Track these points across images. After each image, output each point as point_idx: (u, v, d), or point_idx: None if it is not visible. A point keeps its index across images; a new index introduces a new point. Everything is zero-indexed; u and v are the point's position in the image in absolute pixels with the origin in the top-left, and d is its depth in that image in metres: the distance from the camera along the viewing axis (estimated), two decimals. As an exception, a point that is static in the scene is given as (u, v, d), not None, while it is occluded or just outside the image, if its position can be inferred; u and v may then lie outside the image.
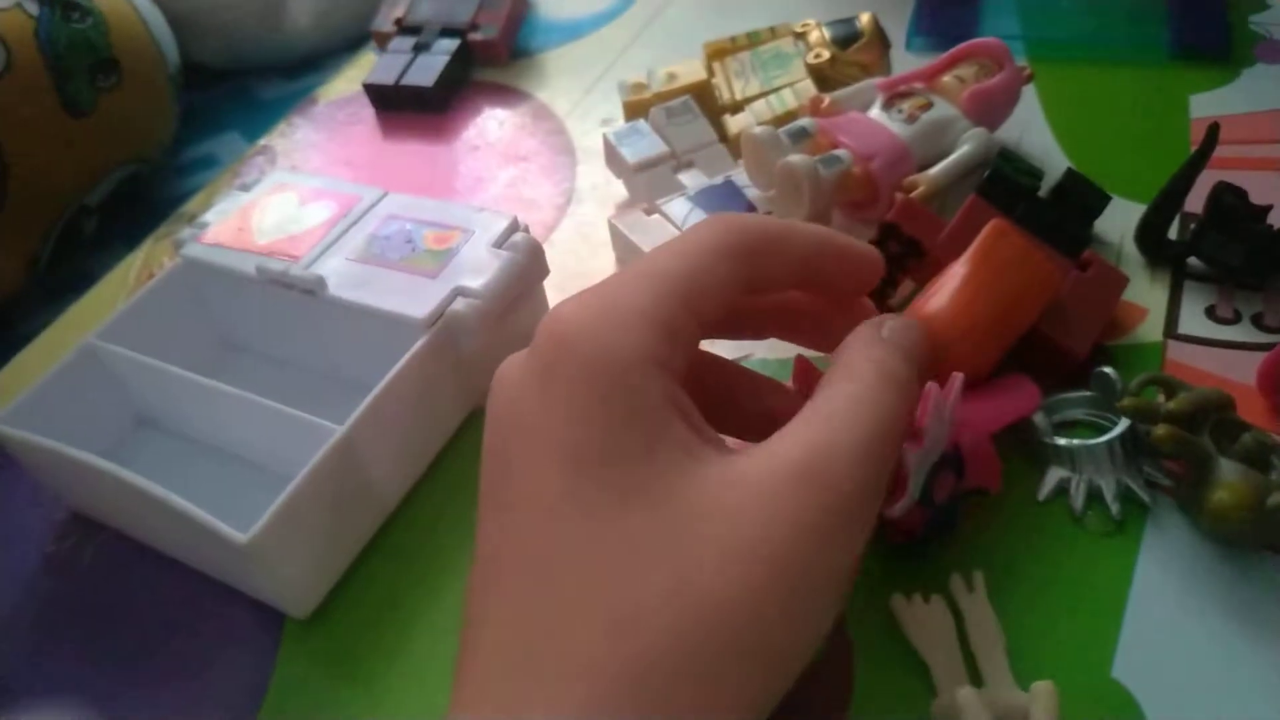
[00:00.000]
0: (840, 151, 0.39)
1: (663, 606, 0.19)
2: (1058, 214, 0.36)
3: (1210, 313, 0.37)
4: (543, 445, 0.22)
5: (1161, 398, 0.32)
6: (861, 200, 0.41)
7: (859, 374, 0.24)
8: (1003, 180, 0.36)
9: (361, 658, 0.31)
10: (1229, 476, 0.29)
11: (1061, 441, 0.32)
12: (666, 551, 0.20)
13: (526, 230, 0.39)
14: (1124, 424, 0.32)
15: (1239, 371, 0.34)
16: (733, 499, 0.21)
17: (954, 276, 0.31)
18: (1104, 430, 0.32)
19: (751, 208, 0.41)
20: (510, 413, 0.23)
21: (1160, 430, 0.30)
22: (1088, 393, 0.34)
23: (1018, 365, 0.33)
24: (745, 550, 0.20)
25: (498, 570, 0.22)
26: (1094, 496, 0.31)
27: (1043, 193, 0.37)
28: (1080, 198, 0.37)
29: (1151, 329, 0.36)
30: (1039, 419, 0.33)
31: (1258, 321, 0.36)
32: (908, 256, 0.35)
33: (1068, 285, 0.35)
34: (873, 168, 0.39)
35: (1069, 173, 0.37)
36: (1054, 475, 0.32)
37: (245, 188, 0.43)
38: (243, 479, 0.37)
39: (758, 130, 0.40)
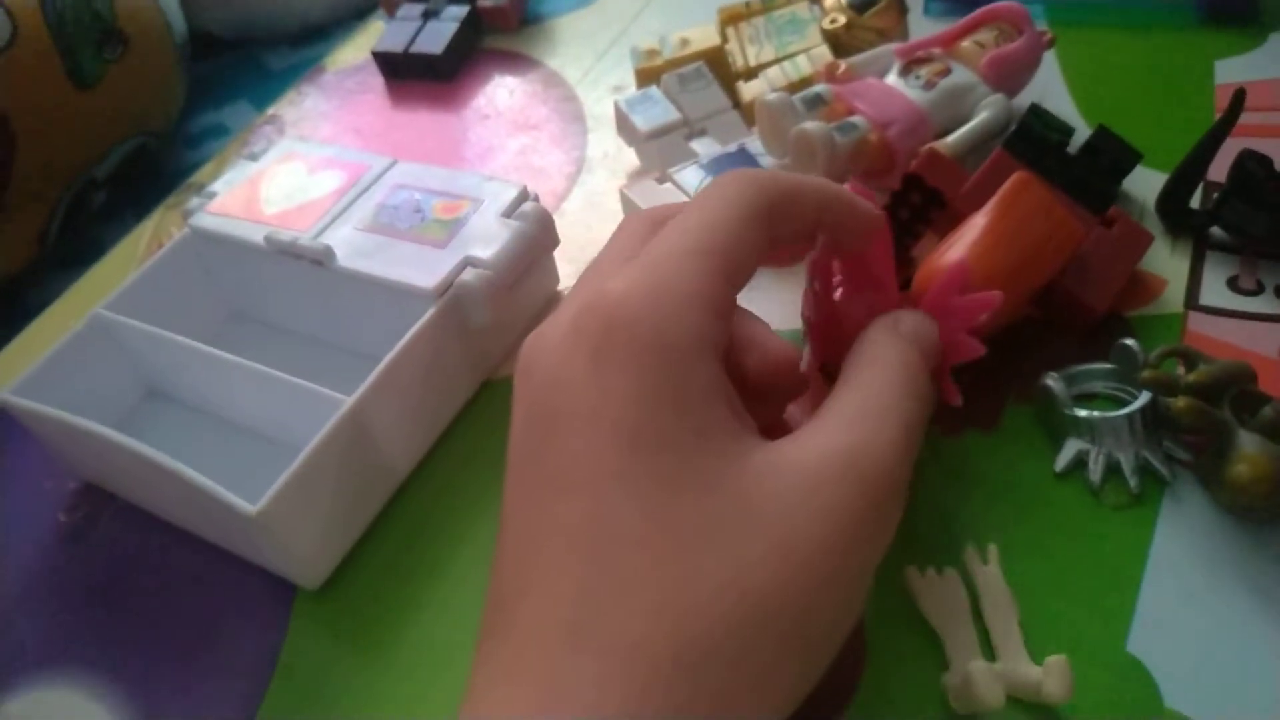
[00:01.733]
0: (856, 119, 0.39)
1: (715, 597, 0.20)
2: (1085, 170, 0.36)
3: (1233, 284, 0.36)
4: (595, 425, 0.21)
5: (1181, 370, 0.31)
6: (878, 168, 0.40)
7: (888, 372, 0.24)
8: (1030, 134, 0.36)
9: (372, 628, 0.32)
10: (1249, 449, 0.28)
11: (1082, 413, 0.31)
12: (719, 540, 0.20)
13: (536, 199, 0.38)
14: (1145, 397, 0.31)
15: (1262, 344, 0.34)
16: (781, 489, 0.21)
17: (975, 226, 0.31)
18: (1124, 404, 0.32)
19: None
20: (554, 391, 0.23)
21: (1180, 403, 0.29)
22: (1108, 365, 0.33)
23: (1038, 317, 0.33)
24: (796, 543, 0.20)
25: (539, 545, 0.21)
26: (1112, 470, 0.31)
27: (1072, 150, 0.37)
28: (1111, 155, 0.37)
29: (1172, 300, 0.36)
30: (1058, 388, 0.32)
31: (1281, 292, 0.35)
32: (930, 207, 0.35)
33: (1091, 241, 0.34)
34: (889, 135, 0.39)
35: (1100, 130, 0.37)
36: (1072, 447, 0.31)
37: (254, 157, 0.43)
38: (253, 450, 0.37)
39: (771, 97, 0.39)
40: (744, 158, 0.41)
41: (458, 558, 0.33)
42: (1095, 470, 0.31)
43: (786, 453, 0.22)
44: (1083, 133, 0.43)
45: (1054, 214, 0.32)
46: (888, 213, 0.33)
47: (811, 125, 0.37)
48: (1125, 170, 0.37)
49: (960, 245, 0.31)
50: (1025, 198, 0.32)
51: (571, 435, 0.22)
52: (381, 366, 0.33)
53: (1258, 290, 0.36)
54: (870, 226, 0.27)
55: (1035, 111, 0.37)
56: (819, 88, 0.40)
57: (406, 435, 0.35)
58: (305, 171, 0.41)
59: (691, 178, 0.40)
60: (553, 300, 0.41)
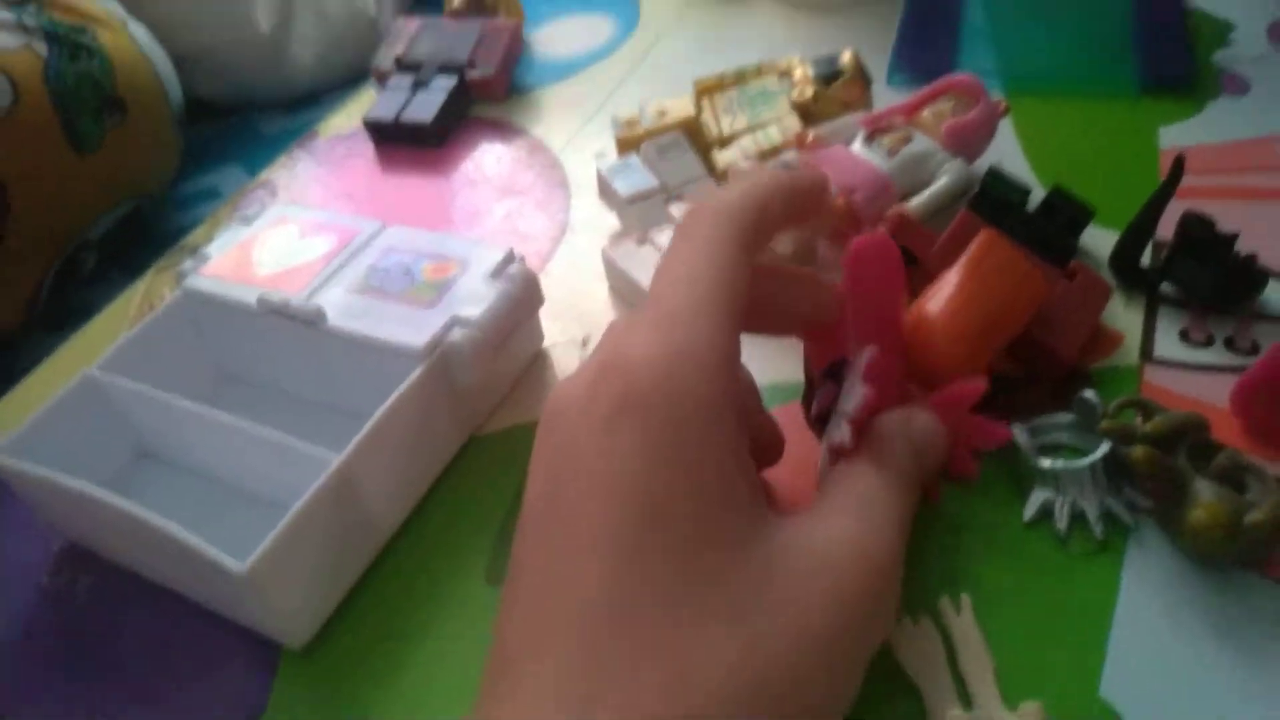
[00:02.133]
0: None
1: (728, 677, 0.20)
2: (1044, 226, 0.38)
3: (1184, 336, 0.38)
4: (611, 492, 0.22)
5: (1139, 420, 0.33)
6: (844, 231, 0.42)
7: (894, 471, 0.26)
8: (992, 195, 0.38)
9: (357, 687, 0.32)
10: (1205, 496, 0.30)
11: (1046, 463, 0.33)
12: (732, 617, 0.21)
13: (522, 261, 0.40)
14: (1105, 447, 0.33)
15: (1214, 393, 0.35)
16: (793, 570, 0.22)
17: (947, 284, 0.33)
18: (1086, 454, 0.33)
19: None
20: (571, 452, 0.23)
21: (1137, 452, 0.31)
22: (1070, 416, 0.35)
23: (1012, 372, 0.35)
24: (808, 624, 0.21)
25: (550, 607, 0.21)
26: (1077, 518, 0.32)
27: (1030, 208, 0.39)
28: (1067, 212, 0.39)
29: (1128, 353, 0.38)
30: (1024, 441, 0.34)
31: (1230, 344, 0.37)
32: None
33: (1056, 293, 0.36)
34: (854, 200, 0.41)
35: (1055, 189, 0.39)
36: (1038, 497, 0.33)
37: (246, 221, 0.44)
38: (241, 509, 0.37)
39: (744, 165, 0.41)
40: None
41: (443, 616, 0.33)
42: (1061, 518, 0.32)
43: (799, 534, 0.23)
44: (1038, 193, 0.45)
45: (1020, 269, 0.34)
46: None
47: None
48: (1081, 225, 0.39)
49: (936, 301, 0.33)
50: (993, 255, 0.34)
51: (588, 499, 0.22)
52: (370, 425, 0.34)
53: (1208, 342, 0.38)
54: (820, 189, 0.29)
55: (994, 174, 0.39)
56: (788, 155, 0.42)
57: (394, 492, 0.36)
58: (297, 235, 0.43)
59: (670, 240, 0.42)
60: (538, 358, 0.42)
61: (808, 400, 0.35)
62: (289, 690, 0.32)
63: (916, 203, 0.41)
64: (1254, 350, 0.37)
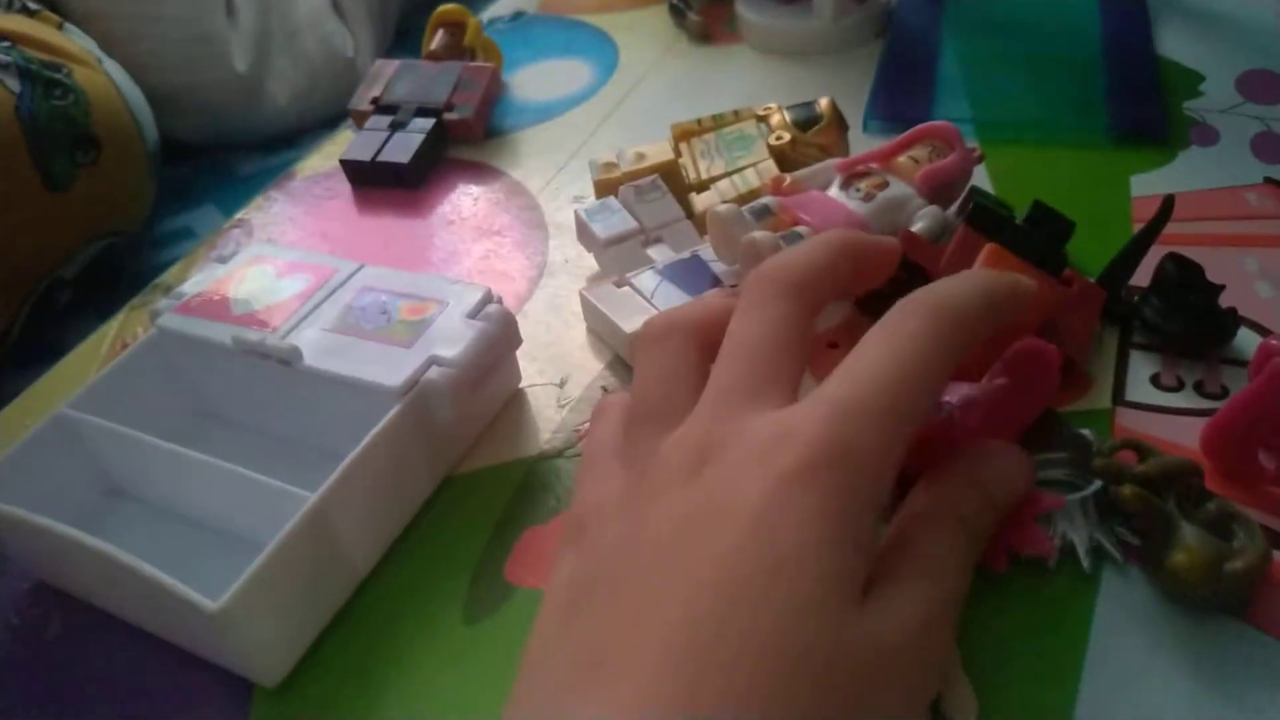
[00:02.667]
0: (801, 228, 0.41)
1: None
2: (1036, 238, 0.38)
3: (1155, 380, 0.38)
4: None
5: (1134, 460, 0.33)
6: None
7: (960, 537, 0.27)
8: (986, 211, 0.39)
9: (330, 728, 0.31)
10: (1189, 540, 0.30)
11: None
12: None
13: (500, 302, 0.40)
14: (1097, 484, 0.33)
15: (1184, 437, 0.36)
16: (866, 666, 0.22)
17: None
18: (1079, 489, 0.33)
19: (718, 281, 0.42)
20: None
21: (1125, 490, 0.31)
22: (1063, 454, 0.35)
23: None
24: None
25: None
26: (1066, 551, 0.32)
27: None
28: (1049, 225, 0.40)
29: (1100, 396, 0.38)
30: None
31: (1199, 388, 0.38)
32: (915, 281, 0.37)
33: (1059, 299, 0.37)
34: None
35: (1037, 203, 0.40)
36: None
37: (222, 260, 0.44)
38: (215, 548, 0.37)
39: (722, 208, 0.41)
40: (697, 264, 0.43)
41: (418, 655, 0.33)
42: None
43: (873, 625, 0.23)
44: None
45: (1030, 278, 0.34)
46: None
47: (760, 235, 0.40)
48: (1065, 237, 0.40)
49: None
50: (1002, 266, 0.35)
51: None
52: (345, 464, 0.33)
53: (1178, 387, 0.38)
54: (892, 257, 0.30)
55: (977, 191, 0.40)
56: (766, 199, 0.43)
57: (369, 531, 0.35)
58: (273, 275, 0.42)
59: (648, 282, 0.42)
60: (515, 398, 0.42)
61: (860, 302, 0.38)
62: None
63: None
64: (1223, 394, 0.37)
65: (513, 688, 0.25)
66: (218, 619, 0.29)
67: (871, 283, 0.30)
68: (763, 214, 0.42)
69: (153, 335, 0.41)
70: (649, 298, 0.42)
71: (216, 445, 0.36)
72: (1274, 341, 0.32)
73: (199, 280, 0.43)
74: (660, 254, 0.44)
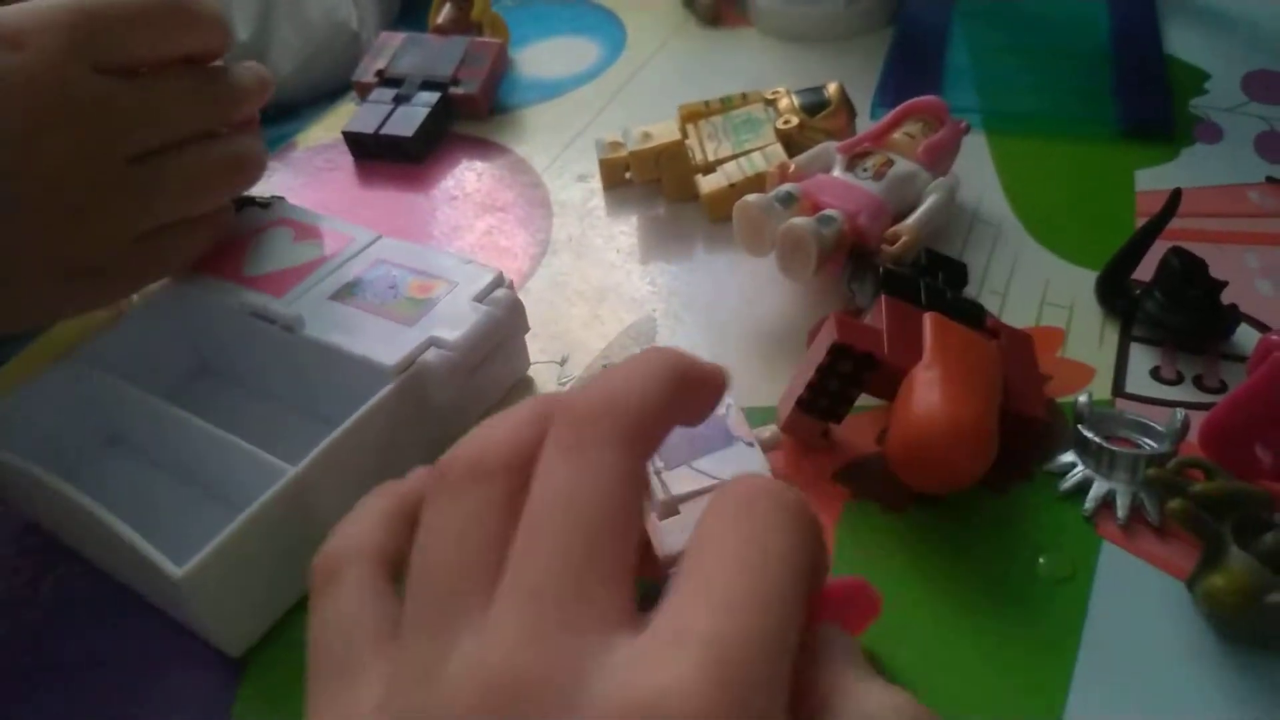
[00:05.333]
0: (831, 211, 0.41)
1: None
2: (944, 292, 0.37)
3: (1155, 373, 0.39)
4: None
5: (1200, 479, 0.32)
6: (842, 253, 0.42)
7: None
8: (896, 277, 0.38)
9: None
10: (1234, 564, 0.29)
11: (1101, 442, 0.34)
12: None
13: (510, 287, 0.39)
14: (1164, 445, 0.34)
15: (1183, 430, 0.36)
16: None
17: (929, 381, 0.32)
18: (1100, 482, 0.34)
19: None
20: None
21: (1174, 503, 0.30)
22: (1072, 453, 0.35)
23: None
24: None
25: None
26: (1106, 502, 0.33)
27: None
28: (947, 271, 0.40)
29: (1100, 388, 0.38)
30: (1087, 413, 0.35)
31: (1199, 382, 0.38)
32: (862, 370, 0.34)
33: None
34: (860, 223, 0.41)
35: (926, 250, 0.40)
36: (1080, 472, 0.34)
37: (264, 204, 0.44)
38: (204, 506, 0.36)
39: (751, 198, 0.41)
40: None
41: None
42: (1093, 498, 0.33)
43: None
44: (1020, 232, 0.46)
45: (974, 339, 0.34)
46: (814, 385, 0.33)
47: (799, 221, 0.40)
48: (963, 281, 0.40)
49: (930, 396, 0.31)
50: (951, 337, 0.33)
51: None
52: (329, 439, 0.33)
53: (1178, 380, 0.38)
54: (720, 386, 0.22)
55: (886, 268, 0.38)
56: (788, 187, 0.43)
57: (352, 507, 0.35)
58: (291, 238, 0.42)
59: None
60: (521, 384, 0.41)
61: (805, 403, 0.34)
62: (251, 697, 0.32)
63: (915, 221, 0.42)
64: (1222, 389, 0.38)
65: None
66: (181, 585, 0.29)
67: (698, 421, 0.22)
68: (789, 201, 0.42)
69: (163, 290, 0.41)
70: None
71: (218, 404, 0.36)
72: (1274, 337, 0.32)
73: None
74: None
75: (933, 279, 0.38)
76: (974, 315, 0.37)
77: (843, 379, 0.34)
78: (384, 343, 0.36)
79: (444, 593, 0.18)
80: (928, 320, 0.34)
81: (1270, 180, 0.47)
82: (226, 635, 0.32)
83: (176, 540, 0.30)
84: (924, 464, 0.31)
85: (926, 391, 0.32)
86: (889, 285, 0.37)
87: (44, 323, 0.45)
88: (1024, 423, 0.34)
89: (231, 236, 0.42)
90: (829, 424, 0.35)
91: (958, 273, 0.40)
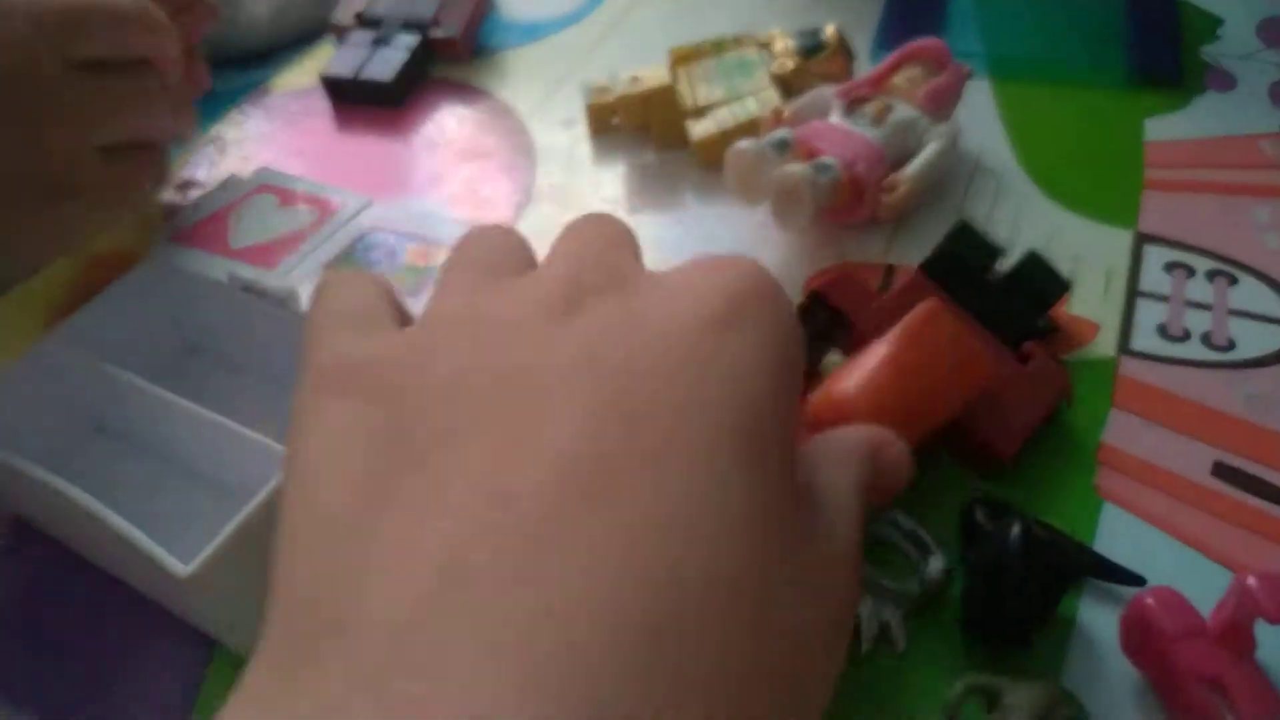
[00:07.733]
0: (827, 159, 0.40)
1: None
2: (1005, 299, 0.34)
3: (1162, 330, 0.37)
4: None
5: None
6: (846, 204, 0.41)
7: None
8: (950, 257, 0.35)
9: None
10: None
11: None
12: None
13: (509, 252, 0.38)
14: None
15: (1186, 388, 0.35)
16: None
17: (874, 355, 0.29)
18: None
19: None
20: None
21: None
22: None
23: (944, 456, 0.32)
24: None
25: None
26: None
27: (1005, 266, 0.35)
28: (1037, 284, 0.35)
29: (1104, 344, 0.37)
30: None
31: (1207, 340, 0.37)
32: (834, 327, 0.33)
33: (1004, 379, 0.32)
34: (857, 171, 0.40)
35: (1031, 255, 0.35)
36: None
37: (225, 189, 0.42)
38: (199, 494, 0.34)
39: (745, 144, 0.39)
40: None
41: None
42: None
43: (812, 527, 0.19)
44: (1024, 183, 0.44)
45: (962, 348, 0.30)
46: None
47: (795, 167, 0.38)
48: (1050, 302, 0.35)
49: (856, 377, 0.29)
50: (932, 329, 0.30)
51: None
52: None
53: (1184, 337, 0.37)
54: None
55: (962, 230, 0.35)
56: (782, 133, 0.41)
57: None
58: (276, 205, 0.40)
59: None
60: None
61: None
62: (220, 685, 0.30)
63: (914, 171, 0.40)
64: (1230, 346, 0.36)
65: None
66: (186, 584, 0.27)
67: None
68: (783, 148, 0.40)
69: (144, 265, 0.38)
70: None
71: (207, 384, 0.33)
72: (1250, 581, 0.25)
73: (200, 207, 0.40)
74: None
75: (1015, 283, 0.35)
76: (1014, 330, 0.34)
77: (816, 329, 0.33)
78: None
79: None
80: (920, 307, 0.30)
81: (1284, 130, 0.45)
82: (230, 631, 0.31)
83: (175, 532, 0.28)
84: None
85: (852, 369, 0.29)
86: (934, 260, 0.35)
87: (31, 262, 0.42)
88: (981, 447, 0.32)
89: (211, 208, 0.40)
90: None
91: (1052, 289, 0.35)
